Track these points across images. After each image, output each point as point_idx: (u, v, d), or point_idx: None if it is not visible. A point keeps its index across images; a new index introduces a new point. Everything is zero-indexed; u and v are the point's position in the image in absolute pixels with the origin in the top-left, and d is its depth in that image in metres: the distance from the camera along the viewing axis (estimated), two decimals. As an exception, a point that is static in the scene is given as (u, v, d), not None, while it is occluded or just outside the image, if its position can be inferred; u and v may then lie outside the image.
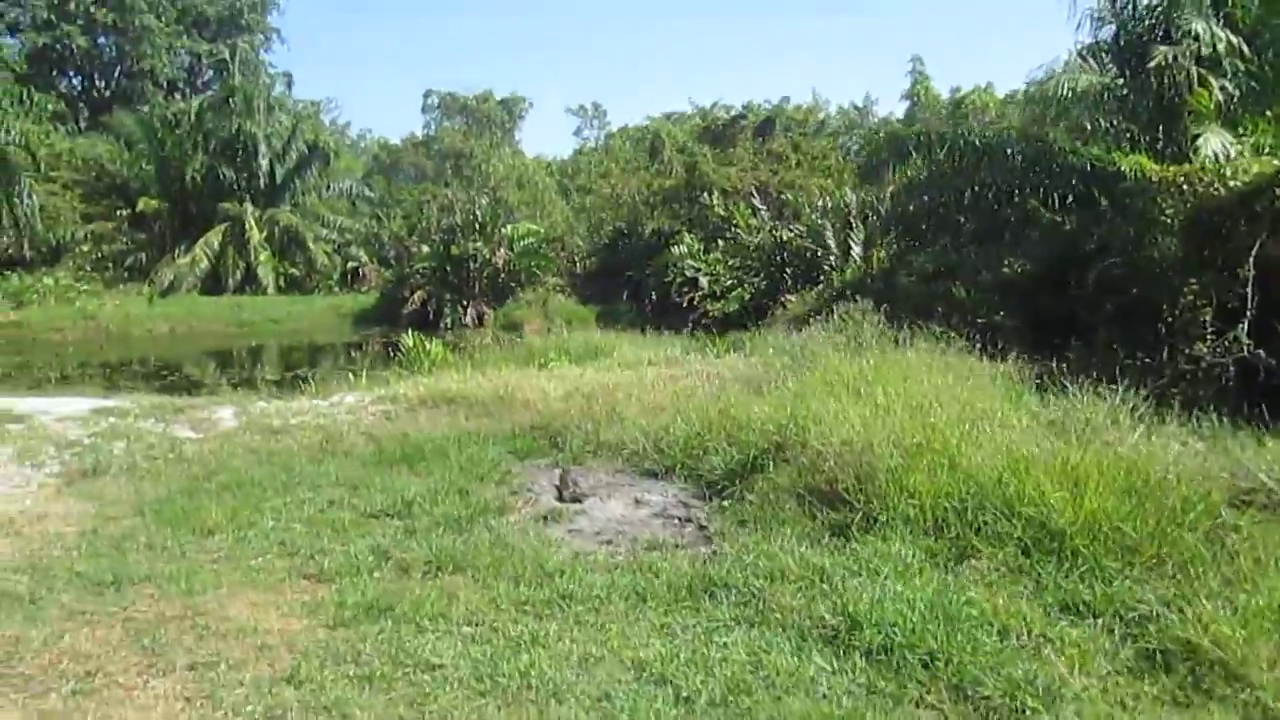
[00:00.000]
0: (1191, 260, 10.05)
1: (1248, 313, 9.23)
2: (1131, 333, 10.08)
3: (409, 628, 4.40)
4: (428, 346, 15.21)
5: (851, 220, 23.23)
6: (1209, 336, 9.32)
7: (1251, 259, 9.24)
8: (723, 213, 28.32)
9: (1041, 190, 13.38)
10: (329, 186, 41.16)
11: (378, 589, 4.85)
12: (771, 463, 6.61)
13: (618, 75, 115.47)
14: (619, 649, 4.17)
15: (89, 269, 34.00)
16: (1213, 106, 12.34)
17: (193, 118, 37.90)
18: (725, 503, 6.40)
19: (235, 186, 36.85)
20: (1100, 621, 4.32)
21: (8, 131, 29.99)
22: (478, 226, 30.83)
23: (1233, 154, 11.74)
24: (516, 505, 6.53)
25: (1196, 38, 12.53)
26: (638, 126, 54.41)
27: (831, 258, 22.95)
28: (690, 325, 22.77)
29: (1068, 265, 12.22)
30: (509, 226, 32.11)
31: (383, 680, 3.91)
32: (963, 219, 15.23)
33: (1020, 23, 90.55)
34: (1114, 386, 7.37)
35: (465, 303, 30.27)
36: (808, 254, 24.01)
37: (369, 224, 40.22)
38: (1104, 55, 14.83)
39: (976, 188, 14.27)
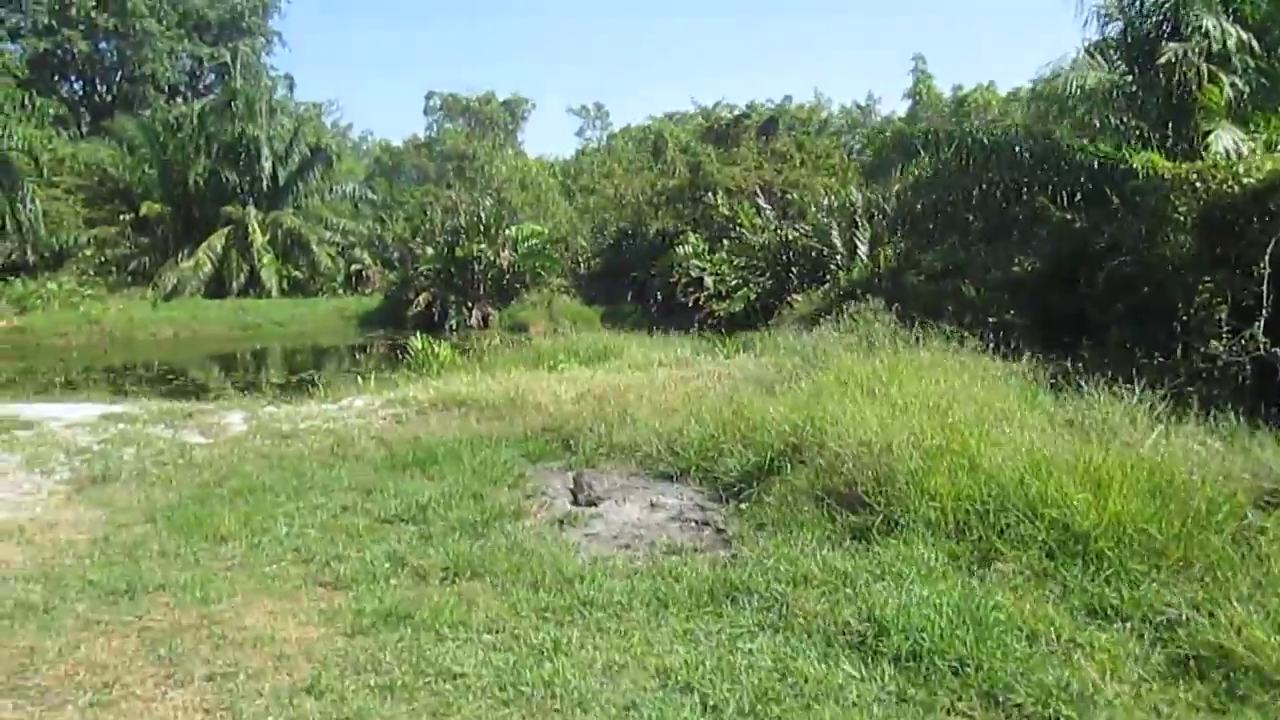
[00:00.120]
0: (1205, 258, 9.99)
1: (1263, 310, 9.17)
2: (1144, 331, 10.02)
3: (429, 635, 4.34)
4: (436, 349, 15.16)
5: (857, 219, 23.17)
6: (1224, 335, 9.25)
7: (1267, 256, 9.18)
8: (727, 212, 28.29)
9: (1050, 188, 13.31)
10: (332, 189, 41.14)
11: (395, 596, 4.80)
12: (788, 465, 6.54)
13: (619, 75, 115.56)
14: (643, 656, 4.11)
15: (92, 274, 33.98)
16: (1223, 103, 12.27)
17: (195, 121, 37.86)
18: (742, 505, 6.33)
19: (238, 190, 36.80)
20: (1129, 626, 4.25)
21: (10, 137, 29.97)
22: (482, 228, 30.81)
23: (1244, 151, 11.69)
24: (531, 509, 6.47)
25: (1206, 34, 12.46)
26: (640, 126, 54.52)
27: (838, 257, 22.89)
28: (696, 325, 22.75)
29: (1077, 263, 12.17)
30: (513, 228, 32.13)
31: (404, 690, 3.85)
32: (971, 217, 15.16)
33: (1021, 21, 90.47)
34: (1129, 386, 7.30)
35: (470, 304, 30.25)
36: (813, 253, 23.97)
37: (372, 226, 40.24)
38: (1112, 52, 14.76)
39: (984, 185, 14.20)
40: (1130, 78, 14.27)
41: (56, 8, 45.70)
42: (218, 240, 35.20)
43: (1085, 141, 13.83)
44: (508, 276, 31.13)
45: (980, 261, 14.28)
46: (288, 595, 4.91)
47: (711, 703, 3.71)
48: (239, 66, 43.31)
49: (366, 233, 39.60)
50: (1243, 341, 9.10)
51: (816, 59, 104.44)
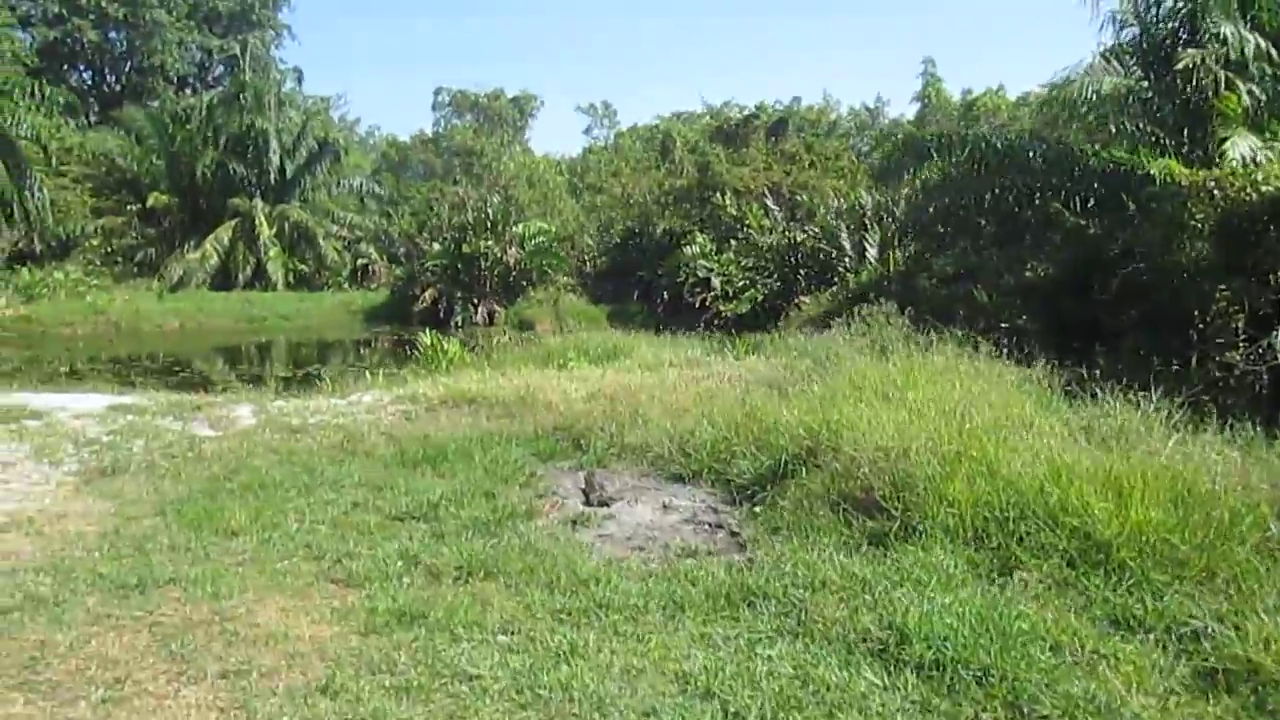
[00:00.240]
0: (1222, 266, 9.92)
1: (1281, 320, 9.11)
2: (1159, 339, 9.97)
3: (443, 636, 4.28)
4: (445, 345, 15.11)
5: (866, 222, 23.11)
6: (1241, 343, 9.19)
7: (1285, 265, 9.12)
8: (735, 213, 28.22)
9: (1064, 193, 13.27)
10: (339, 183, 41.18)
11: (409, 595, 4.74)
12: (803, 468, 6.47)
13: (627, 74, 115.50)
14: (660, 661, 4.05)
15: (99, 264, 34.02)
16: (1240, 110, 12.20)
17: (203, 113, 37.91)
18: (756, 509, 6.27)
19: (245, 182, 36.83)
20: (1153, 637, 4.18)
21: (19, 125, 29.93)
22: (489, 224, 30.78)
23: (1260, 159, 11.61)
24: (544, 509, 6.42)
25: (1224, 41, 12.39)
26: (647, 126, 54.53)
27: (846, 259, 22.85)
28: (702, 326, 22.66)
29: (1091, 269, 12.10)
30: (520, 225, 32.07)
31: (420, 691, 3.79)
32: (983, 221, 15.11)
33: (1031, 26, 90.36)
34: (1145, 393, 7.24)
35: (476, 301, 30.22)
36: (822, 255, 23.92)
37: (378, 221, 40.19)
38: (1127, 57, 14.69)
39: (997, 190, 14.17)
40: (1146, 83, 14.21)
41: (67, -4, 45.75)
42: (224, 232, 35.20)
43: (1098, 147, 13.75)
44: (514, 274, 31.09)
45: (992, 266, 14.23)
46: (300, 592, 4.86)
47: (733, 709, 3.65)
48: (248, 59, 43.20)
49: (373, 227, 39.57)
50: (1260, 350, 9.03)
51: (824, 60, 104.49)
